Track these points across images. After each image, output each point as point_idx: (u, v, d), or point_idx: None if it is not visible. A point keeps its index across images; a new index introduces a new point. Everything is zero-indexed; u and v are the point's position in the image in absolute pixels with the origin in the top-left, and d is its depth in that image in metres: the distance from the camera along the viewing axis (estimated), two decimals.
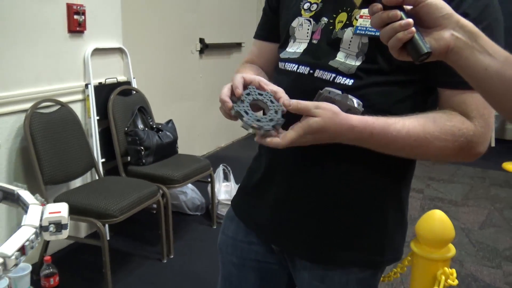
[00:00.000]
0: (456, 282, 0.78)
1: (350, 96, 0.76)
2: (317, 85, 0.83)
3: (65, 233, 0.64)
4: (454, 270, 0.77)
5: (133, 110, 2.71)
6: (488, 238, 2.82)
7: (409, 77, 0.81)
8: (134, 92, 2.86)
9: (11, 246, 0.58)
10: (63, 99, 2.39)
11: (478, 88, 0.67)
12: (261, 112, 0.82)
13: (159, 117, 2.95)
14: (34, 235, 0.59)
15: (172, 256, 2.49)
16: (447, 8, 0.63)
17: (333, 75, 0.84)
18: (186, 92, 3.88)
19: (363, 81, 0.82)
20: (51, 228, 0.62)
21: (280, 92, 0.82)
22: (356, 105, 0.75)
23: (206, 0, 3.97)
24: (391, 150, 0.81)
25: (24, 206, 0.67)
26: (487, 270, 2.44)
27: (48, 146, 2.16)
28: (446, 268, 0.78)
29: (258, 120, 0.76)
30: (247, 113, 0.76)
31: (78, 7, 2.41)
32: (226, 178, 3.07)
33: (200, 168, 2.67)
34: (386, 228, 0.92)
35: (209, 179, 2.81)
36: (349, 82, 0.82)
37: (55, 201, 2.10)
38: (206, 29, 4.01)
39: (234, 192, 3.10)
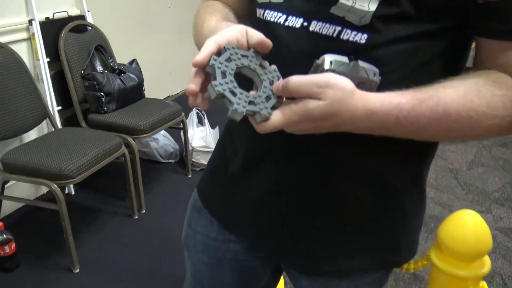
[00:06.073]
0: None
1: (361, 64, 0.50)
2: (315, 45, 0.57)
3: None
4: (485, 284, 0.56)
5: (89, 49, 2.36)
6: (477, 179, 2.71)
7: (441, 24, 0.56)
8: (90, 28, 2.48)
9: None
10: (2, 39, 2.03)
11: None
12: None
13: (121, 56, 2.61)
14: None
15: (144, 211, 2.30)
16: None
17: (338, 28, 0.57)
18: (153, 25, 3.48)
19: (381, 36, 0.55)
20: None
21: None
22: (372, 76, 0.50)
23: None
24: (421, 136, 0.57)
25: None
26: None
27: None
28: None
29: (252, 102, 0.50)
30: (234, 94, 0.49)
31: None
32: (200, 122, 2.82)
33: (170, 115, 2.40)
34: (403, 223, 0.72)
35: (181, 125, 2.55)
36: (362, 38, 0.56)
37: (3, 160, 1.83)
38: None
39: (209, 138, 2.86)
